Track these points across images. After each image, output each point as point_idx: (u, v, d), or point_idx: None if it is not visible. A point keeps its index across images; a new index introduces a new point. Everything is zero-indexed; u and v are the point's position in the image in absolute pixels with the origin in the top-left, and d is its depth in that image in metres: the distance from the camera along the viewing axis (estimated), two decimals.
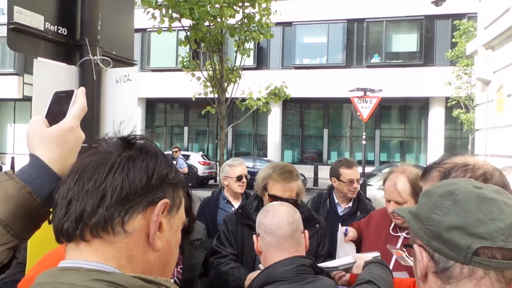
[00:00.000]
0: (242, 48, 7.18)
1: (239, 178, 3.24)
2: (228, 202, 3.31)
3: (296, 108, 22.96)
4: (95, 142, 0.70)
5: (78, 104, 0.78)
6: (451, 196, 0.75)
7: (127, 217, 0.62)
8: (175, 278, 1.85)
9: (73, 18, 1.88)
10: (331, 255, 2.06)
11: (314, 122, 23.18)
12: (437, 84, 18.07)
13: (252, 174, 3.47)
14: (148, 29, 18.18)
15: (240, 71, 7.45)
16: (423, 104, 20.80)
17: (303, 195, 2.07)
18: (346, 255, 2.02)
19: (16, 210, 0.68)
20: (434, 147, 19.71)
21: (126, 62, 2.05)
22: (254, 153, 22.65)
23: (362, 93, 10.88)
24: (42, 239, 0.77)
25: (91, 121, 1.78)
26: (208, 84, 7.41)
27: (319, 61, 21.45)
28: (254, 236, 1.41)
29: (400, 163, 16.96)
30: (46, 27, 1.73)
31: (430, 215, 0.76)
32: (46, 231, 0.74)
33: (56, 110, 0.79)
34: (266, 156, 21.26)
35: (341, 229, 2.28)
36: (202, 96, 7.68)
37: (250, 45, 7.61)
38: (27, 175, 0.71)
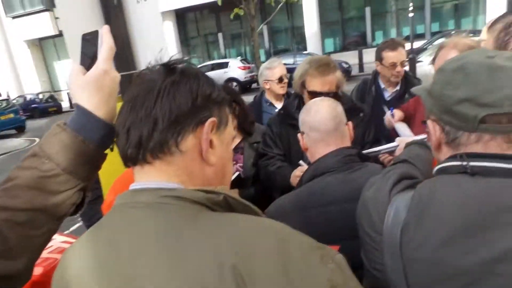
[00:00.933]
0: None
1: (280, 80, 3.20)
2: (271, 104, 3.33)
3: None
4: (140, 71, 0.73)
5: (106, 45, 0.79)
6: (462, 70, 0.75)
7: (180, 138, 0.67)
8: (239, 173, 2.04)
9: None
10: (379, 141, 2.06)
11: (354, 1, 21.16)
12: None
13: (293, 71, 3.37)
14: None
15: None
16: None
17: (344, 86, 2.02)
18: (404, 135, 2.03)
19: (77, 158, 0.76)
20: (495, 5, 17.34)
21: None
22: (293, 48, 21.78)
23: None
24: (110, 166, 0.86)
25: (123, 48, 1.79)
26: None
27: None
28: (299, 135, 1.44)
29: (455, 31, 15.38)
30: None
31: (442, 91, 0.78)
32: (112, 158, 0.82)
33: (88, 54, 0.81)
34: (306, 50, 20.36)
35: (388, 113, 2.24)
36: None
37: None
38: (76, 124, 0.76)
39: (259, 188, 2.16)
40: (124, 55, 1.83)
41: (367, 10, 20.53)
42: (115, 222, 0.67)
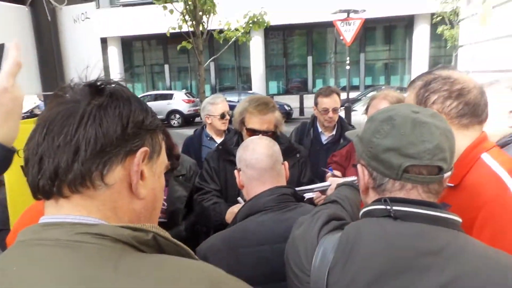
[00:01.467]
0: None
1: (222, 116, 3.20)
2: (211, 139, 3.30)
3: (279, 37, 22.17)
4: (60, 90, 0.64)
5: (11, 60, 0.71)
6: (390, 120, 0.81)
7: (106, 169, 0.60)
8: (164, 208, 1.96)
9: None
10: (314, 182, 2.11)
11: (298, 50, 22.57)
12: (422, 0, 17.42)
13: (231, 111, 3.42)
14: None
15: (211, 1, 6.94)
16: (407, 23, 20.24)
17: (282, 127, 2.06)
18: None
19: None
20: (419, 67, 19.59)
21: None
22: (238, 87, 22.32)
23: (345, 15, 10.46)
24: (22, 192, 0.74)
25: (53, 68, 1.66)
26: (182, 17, 6.94)
27: None
28: (236, 171, 1.41)
29: (385, 86, 17.00)
30: None
31: (371, 139, 0.83)
32: (26, 184, 0.71)
33: None
34: (251, 89, 20.97)
35: (328, 174, 2.31)
36: (177, 30, 7.22)
37: None
38: None
39: (192, 222, 2.09)
40: (53, 75, 1.70)
41: (309, 59, 21.95)
42: (12, 262, 0.55)
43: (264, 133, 1.88)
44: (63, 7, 1.65)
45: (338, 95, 3.00)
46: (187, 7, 6.50)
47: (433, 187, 0.80)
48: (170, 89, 22.12)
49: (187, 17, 6.84)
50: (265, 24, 8.04)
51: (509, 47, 5.03)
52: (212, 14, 6.84)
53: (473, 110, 1.08)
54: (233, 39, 8.10)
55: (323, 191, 1.71)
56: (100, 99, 0.61)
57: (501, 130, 1.49)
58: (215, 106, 3.23)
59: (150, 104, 17.30)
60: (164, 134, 2.30)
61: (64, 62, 1.69)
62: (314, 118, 3.13)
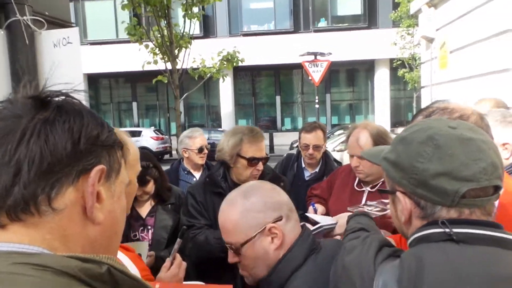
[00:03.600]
0: (190, 11, 6.75)
1: (200, 150, 3.13)
2: (189, 173, 3.21)
3: (247, 77, 22.75)
4: None
5: None
6: (431, 141, 0.74)
7: (54, 192, 0.51)
8: (148, 240, 2.07)
9: None
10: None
11: (266, 89, 23.18)
12: (382, 46, 18.68)
13: (210, 145, 3.39)
14: None
15: (189, 37, 7.07)
16: (369, 67, 21.49)
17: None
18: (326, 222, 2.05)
19: None
20: (381, 108, 20.66)
21: (63, 24, 1.80)
22: (208, 125, 22.34)
23: (312, 57, 10.95)
24: None
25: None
26: (158, 52, 6.97)
27: (267, 27, 21.18)
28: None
29: (351, 124, 17.72)
30: None
31: (413, 164, 0.74)
32: None
33: None
34: (220, 127, 21.04)
35: (310, 209, 2.27)
36: (152, 64, 7.20)
37: (197, 9, 7.22)
38: None
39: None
40: None
41: (278, 98, 22.55)
42: None
43: (263, 159, 1.93)
44: (42, 32, 1.57)
45: (323, 131, 2.96)
46: (165, 42, 6.55)
47: (489, 208, 0.73)
48: (138, 126, 21.75)
49: (160, 53, 6.87)
50: (239, 61, 8.25)
51: (465, 88, 5.41)
52: (188, 51, 6.91)
53: None
54: (208, 76, 8.20)
55: (329, 231, 1.66)
56: (45, 113, 0.53)
57: None
58: (193, 139, 3.16)
59: None
60: (156, 167, 2.27)
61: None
62: (298, 153, 3.09)
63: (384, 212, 1.74)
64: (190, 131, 3.30)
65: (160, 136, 17.33)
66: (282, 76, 22.56)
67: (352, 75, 22.55)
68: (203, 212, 2.01)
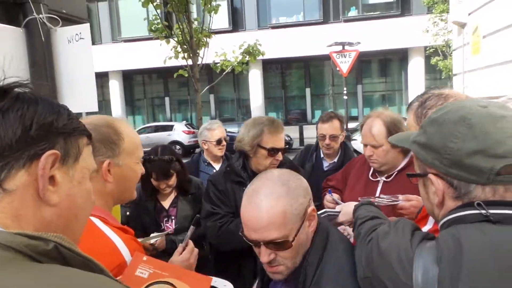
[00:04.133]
0: (209, 5, 6.77)
1: (218, 142, 3.19)
2: (209, 164, 3.28)
3: (277, 70, 22.64)
4: None
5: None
6: (464, 120, 0.74)
7: (3, 174, 0.56)
8: (171, 229, 2.21)
9: None
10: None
11: (296, 82, 22.96)
12: (415, 34, 17.93)
13: (228, 137, 3.44)
14: None
15: (209, 31, 7.11)
16: (402, 56, 20.73)
17: None
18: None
19: None
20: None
21: (79, 21, 1.90)
22: (238, 118, 22.49)
23: (340, 48, 10.73)
24: None
25: (46, 87, 1.66)
26: (179, 48, 7.08)
27: (295, 18, 20.90)
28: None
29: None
30: None
31: (446, 144, 0.75)
32: None
33: None
34: None
35: (327, 197, 2.27)
36: (180, 59, 7.33)
37: (217, 1, 7.23)
38: None
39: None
40: (45, 94, 1.69)
41: (308, 90, 22.29)
42: None
43: (283, 149, 2.01)
44: (57, 29, 1.67)
45: (340, 121, 2.92)
46: (184, 37, 6.64)
47: None
48: (171, 120, 22.28)
49: (181, 47, 6.97)
50: (260, 54, 8.21)
51: (500, 74, 5.12)
52: (207, 46, 6.97)
53: None
54: (229, 69, 8.24)
55: (332, 218, 1.67)
56: (1, 102, 0.58)
57: None
58: (211, 132, 3.22)
59: (151, 135, 17.53)
60: (178, 160, 2.42)
61: (57, 83, 1.69)
62: (317, 144, 3.07)
63: (395, 203, 1.72)
64: (209, 123, 3.36)
65: (192, 130, 17.68)
66: (312, 68, 22.25)
67: (385, 65, 21.84)
68: (225, 201, 2.08)
